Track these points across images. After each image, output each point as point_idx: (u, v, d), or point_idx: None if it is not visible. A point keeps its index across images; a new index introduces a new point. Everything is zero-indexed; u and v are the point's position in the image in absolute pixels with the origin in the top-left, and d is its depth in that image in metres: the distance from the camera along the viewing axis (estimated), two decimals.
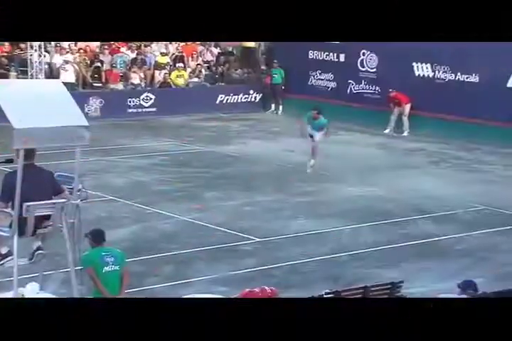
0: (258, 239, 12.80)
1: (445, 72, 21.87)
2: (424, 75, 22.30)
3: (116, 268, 8.40)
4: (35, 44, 22.16)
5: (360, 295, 9.58)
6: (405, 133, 22.22)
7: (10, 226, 7.84)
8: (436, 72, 22.03)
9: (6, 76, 21.62)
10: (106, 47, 24.52)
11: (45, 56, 22.64)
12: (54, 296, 7.74)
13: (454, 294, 8.49)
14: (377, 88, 23.22)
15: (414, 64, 22.35)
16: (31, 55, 22.28)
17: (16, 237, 7.80)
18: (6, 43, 23.61)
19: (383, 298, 6.48)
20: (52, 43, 23.38)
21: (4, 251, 8.07)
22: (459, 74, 21.58)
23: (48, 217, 8.01)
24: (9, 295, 8.00)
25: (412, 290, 10.25)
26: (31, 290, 8.22)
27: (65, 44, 23.96)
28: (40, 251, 8.17)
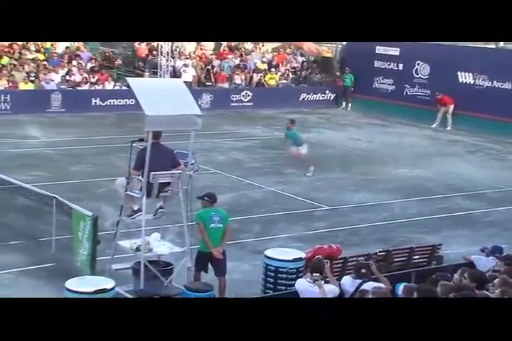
0: (327, 207, 12.74)
1: (484, 80, 21.24)
2: (466, 82, 21.70)
3: (220, 225, 8.45)
4: (164, 51, 22.47)
5: (406, 254, 9.48)
6: (448, 128, 21.66)
7: (140, 189, 8.03)
8: (477, 79, 21.42)
9: (141, 76, 21.99)
10: (216, 54, 24.73)
11: (170, 61, 22.93)
12: (56, 296, 6.88)
13: (482, 256, 8.32)
14: (427, 91, 22.71)
15: (458, 73, 21.74)
16: (160, 60, 22.59)
17: (144, 198, 7.95)
18: (145, 51, 23.97)
19: (382, 297, 5.95)
20: (177, 50, 23.65)
21: (136, 208, 8.26)
22: (495, 81, 20.95)
23: (168, 184, 8.12)
24: (138, 241, 8.21)
25: (448, 251, 10.08)
26: (154, 239, 8.37)
27: (186, 51, 24.22)
28: (161, 210, 8.29)
